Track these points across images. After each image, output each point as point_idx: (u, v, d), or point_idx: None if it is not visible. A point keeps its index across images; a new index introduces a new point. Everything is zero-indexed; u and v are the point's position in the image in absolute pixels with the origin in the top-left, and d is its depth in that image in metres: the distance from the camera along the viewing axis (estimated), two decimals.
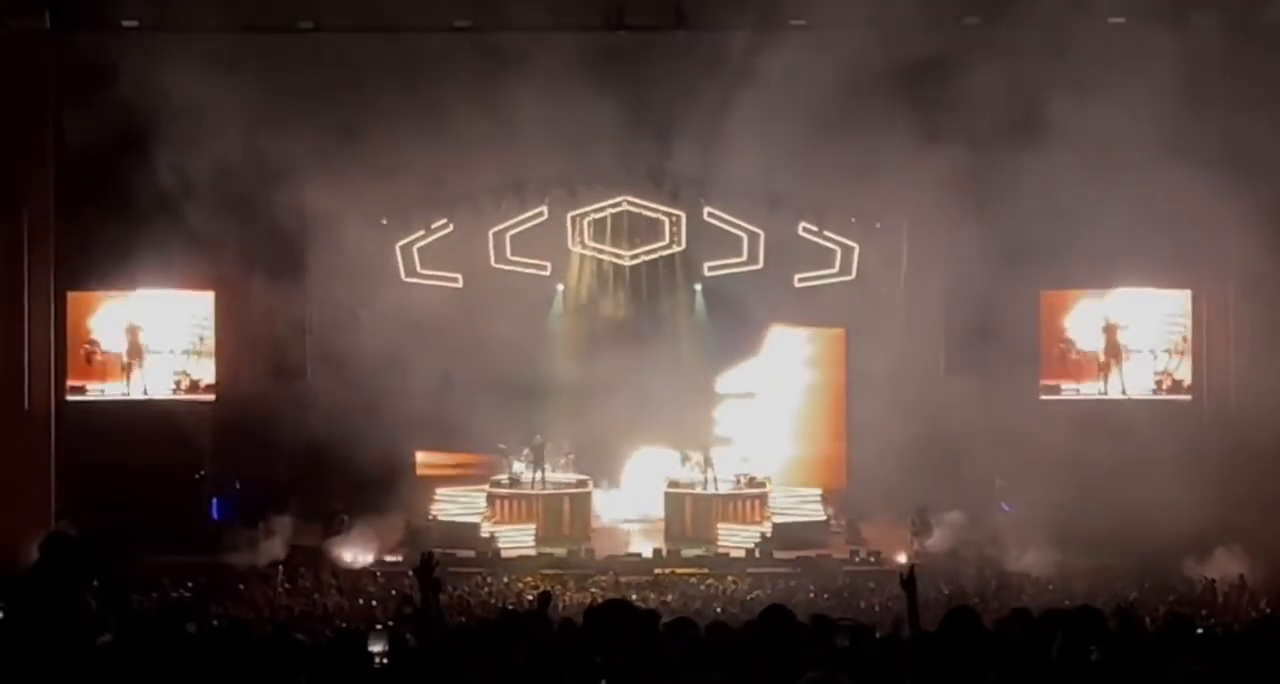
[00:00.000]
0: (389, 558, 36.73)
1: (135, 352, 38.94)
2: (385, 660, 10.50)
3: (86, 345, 38.54)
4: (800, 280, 41.23)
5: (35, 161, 36.78)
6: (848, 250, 40.79)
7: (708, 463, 40.03)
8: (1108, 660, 9.60)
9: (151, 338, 39.05)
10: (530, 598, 30.89)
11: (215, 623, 15.42)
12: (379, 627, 10.96)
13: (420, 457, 41.19)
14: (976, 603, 28.07)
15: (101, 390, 38.73)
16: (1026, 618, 11.68)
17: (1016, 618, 11.89)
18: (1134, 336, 39.31)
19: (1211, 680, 8.39)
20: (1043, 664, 9.48)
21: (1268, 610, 27.63)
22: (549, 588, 30.08)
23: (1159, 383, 39.15)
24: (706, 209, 40.88)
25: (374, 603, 31.08)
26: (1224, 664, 9.35)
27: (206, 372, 39.17)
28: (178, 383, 39.18)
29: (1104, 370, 39.51)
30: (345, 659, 10.19)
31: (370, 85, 36.67)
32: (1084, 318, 39.50)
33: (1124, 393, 39.21)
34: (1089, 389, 39.44)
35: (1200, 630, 14.69)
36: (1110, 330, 39.31)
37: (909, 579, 10.94)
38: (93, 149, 35.81)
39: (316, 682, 9.52)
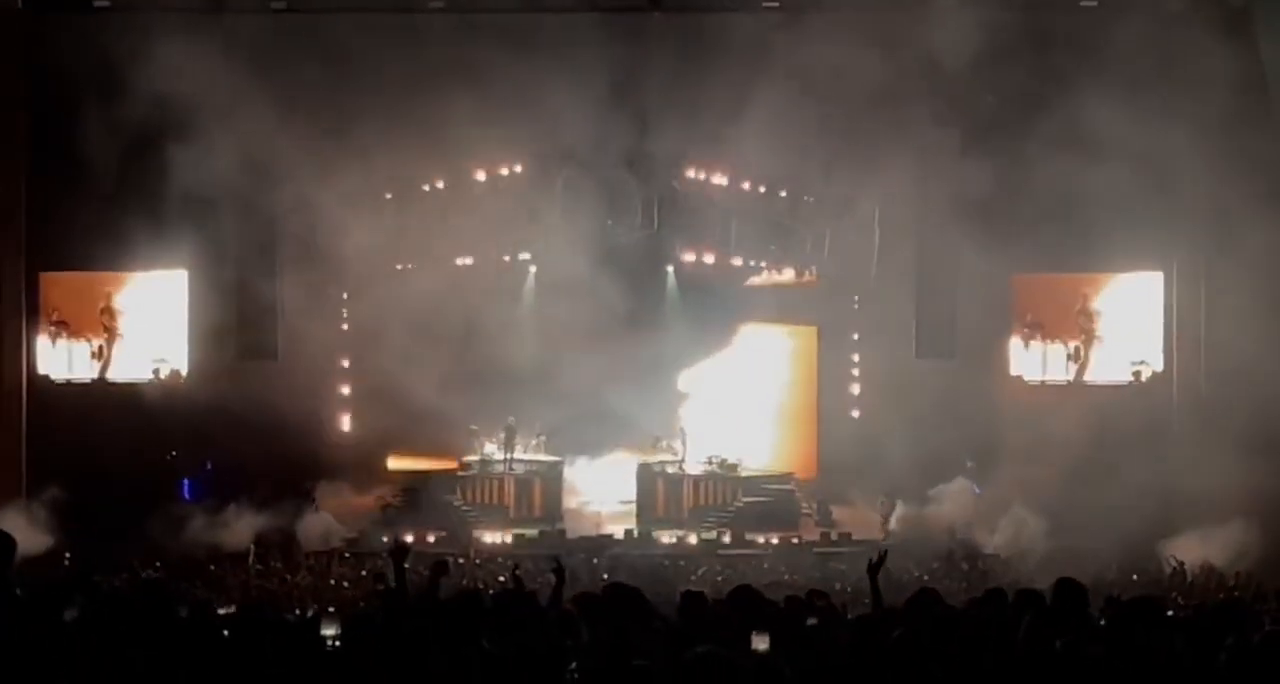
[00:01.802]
0: (359, 538, 36.81)
1: (110, 335, 38.87)
2: (338, 643, 10.50)
3: (52, 328, 38.40)
4: (771, 264, 41.30)
5: (6, 141, 36.65)
6: (820, 233, 40.76)
7: (683, 444, 40.08)
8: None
9: (128, 321, 39.03)
10: (503, 578, 30.94)
11: (187, 605, 15.38)
12: (331, 610, 10.95)
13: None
14: (946, 584, 28.23)
15: (68, 381, 38.63)
16: (999, 599, 11.75)
17: (989, 599, 11.96)
18: (1108, 322, 39.42)
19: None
20: (1009, 644, 9.53)
21: (1236, 594, 27.72)
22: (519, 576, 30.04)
23: (1136, 374, 39.15)
24: (680, 191, 40.81)
25: (345, 584, 31.08)
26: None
27: (181, 358, 39.09)
28: (156, 371, 39.09)
29: (1076, 355, 39.60)
30: (304, 642, 10.20)
31: (345, 65, 36.52)
32: (1057, 301, 39.60)
33: (1085, 379, 39.40)
34: (1060, 372, 39.54)
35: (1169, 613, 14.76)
36: (1082, 315, 39.40)
37: (876, 564, 11.03)
38: (65, 129, 35.73)
39: (281, 663, 9.52)
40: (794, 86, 34.40)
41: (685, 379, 41.95)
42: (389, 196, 40.25)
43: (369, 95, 36.73)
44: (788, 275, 41.69)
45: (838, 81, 34.14)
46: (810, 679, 9.07)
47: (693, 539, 37.94)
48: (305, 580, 31.69)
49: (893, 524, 37.64)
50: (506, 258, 41.42)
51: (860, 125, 35.04)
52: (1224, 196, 33.91)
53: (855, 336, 41.84)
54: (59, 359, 38.58)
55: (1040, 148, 33.86)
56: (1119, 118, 32.53)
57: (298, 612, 20.56)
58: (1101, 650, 9.30)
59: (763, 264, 41.27)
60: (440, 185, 40.39)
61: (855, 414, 40.90)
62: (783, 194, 40.24)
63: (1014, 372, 39.48)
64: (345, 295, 40.94)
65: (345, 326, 40.71)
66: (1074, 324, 39.41)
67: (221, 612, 12.15)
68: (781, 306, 42.12)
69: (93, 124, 34.55)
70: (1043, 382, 39.43)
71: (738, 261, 41.25)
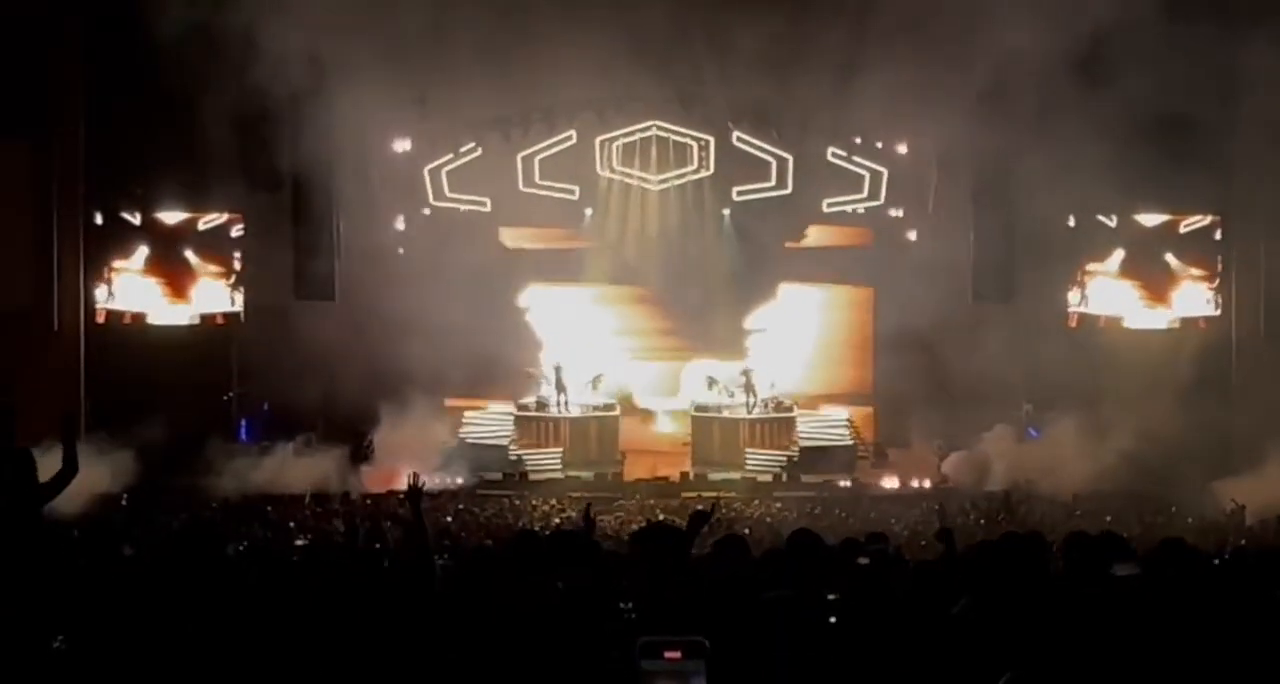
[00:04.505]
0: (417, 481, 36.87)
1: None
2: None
3: (110, 271, 38.45)
4: (830, 205, 41.15)
5: (65, 83, 36.72)
6: (876, 176, 40.61)
7: (749, 387, 40.09)
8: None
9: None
10: (558, 521, 31.07)
11: (243, 545, 15.49)
12: (378, 546, 11.05)
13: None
14: (1003, 526, 28.15)
15: (127, 318, 38.67)
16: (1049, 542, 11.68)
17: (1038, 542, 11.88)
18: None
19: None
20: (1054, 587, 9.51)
21: None
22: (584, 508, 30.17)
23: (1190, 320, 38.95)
24: (735, 134, 40.72)
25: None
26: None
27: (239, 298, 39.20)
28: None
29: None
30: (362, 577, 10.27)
31: (400, 7, 36.42)
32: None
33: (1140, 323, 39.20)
34: (1113, 314, 39.29)
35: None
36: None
37: (944, 531, 10.99)
38: (122, 71, 35.85)
39: (332, 599, 9.58)
40: (851, 28, 34.25)
41: (744, 321, 41.86)
42: (446, 140, 40.32)
43: (427, 37, 36.55)
44: (838, 233, 41.82)
45: (897, 24, 33.94)
46: (867, 620, 9.07)
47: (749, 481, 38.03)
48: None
49: (942, 470, 37.65)
50: (563, 202, 41.35)
51: (920, 67, 34.73)
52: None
53: (911, 278, 41.66)
54: (125, 297, 38.59)
55: (1096, 88, 33.64)
56: (1172, 59, 32.23)
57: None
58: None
59: (824, 204, 41.07)
60: (495, 129, 40.38)
61: (910, 358, 40.71)
62: (839, 136, 40.13)
63: (1072, 312, 39.25)
64: (405, 236, 41.02)
65: (404, 268, 40.74)
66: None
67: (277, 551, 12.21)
68: (836, 265, 42.06)
69: (149, 66, 34.60)
70: (1101, 325, 39.20)
71: (794, 204, 41.20)
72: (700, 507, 10.46)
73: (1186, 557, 10.07)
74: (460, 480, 37.26)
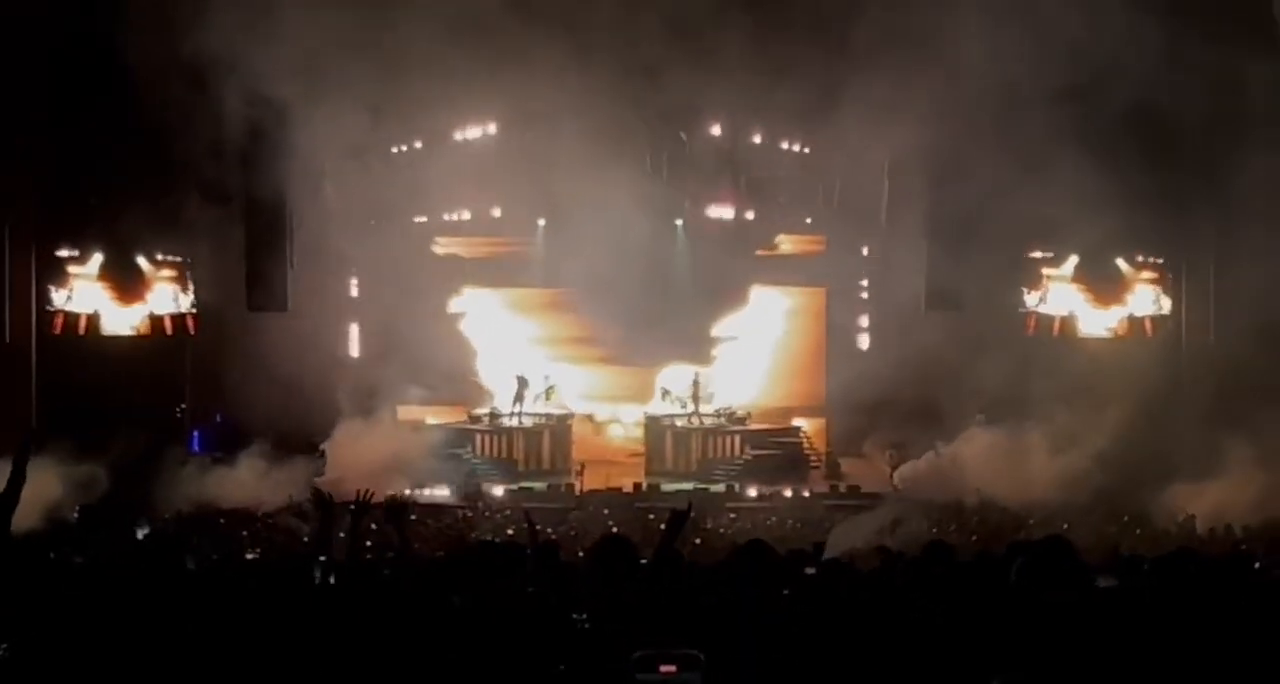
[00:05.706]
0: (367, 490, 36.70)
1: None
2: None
3: (68, 277, 38.23)
4: (783, 215, 41.31)
5: (20, 94, 36.49)
6: (830, 184, 40.69)
7: (696, 398, 40.14)
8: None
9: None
10: (511, 532, 31.02)
11: (195, 557, 15.43)
12: (322, 558, 11.05)
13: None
14: (954, 535, 28.28)
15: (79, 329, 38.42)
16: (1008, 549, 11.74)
17: (996, 552, 11.96)
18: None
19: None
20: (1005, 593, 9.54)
21: (1244, 548, 27.66)
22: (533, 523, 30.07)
23: (1139, 322, 39.08)
24: (689, 141, 40.74)
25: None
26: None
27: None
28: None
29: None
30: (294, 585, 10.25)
31: (351, 18, 36.32)
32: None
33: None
34: (1067, 317, 39.38)
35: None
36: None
37: (882, 548, 11.09)
38: (77, 81, 35.76)
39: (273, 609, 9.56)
40: (804, 35, 34.30)
41: (697, 330, 41.91)
42: (399, 150, 40.24)
43: (378, 48, 36.48)
44: (793, 241, 41.96)
45: (850, 31, 33.98)
46: (813, 630, 9.09)
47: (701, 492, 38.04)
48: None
49: (894, 479, 37.72)
50: (519, 207, 41.37)
51: (874, 76, 34.77)
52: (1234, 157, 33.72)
53: (863, 289, 41.84)
54: (80, 301, 38.35)
55: (1054, 97, 33.76)
56: (1137, 65, 32.34)
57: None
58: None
59: (775, 214, 41.24)
60: (452, 135, 40.36)
61: (863, 367, 40.79)
62: (793, 146, 40.21)
63: (1025, 326, 39.35)
64: (355, 248, 40.96)
65: (355, 279, 40.70)
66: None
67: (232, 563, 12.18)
68: (790, 275, 42.24)
69: (109, 78, 34.52)
70: (1055, 329, 39.26)
71: (749, 216, 41.36)
72: (677, 506, 10.53)
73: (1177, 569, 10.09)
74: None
